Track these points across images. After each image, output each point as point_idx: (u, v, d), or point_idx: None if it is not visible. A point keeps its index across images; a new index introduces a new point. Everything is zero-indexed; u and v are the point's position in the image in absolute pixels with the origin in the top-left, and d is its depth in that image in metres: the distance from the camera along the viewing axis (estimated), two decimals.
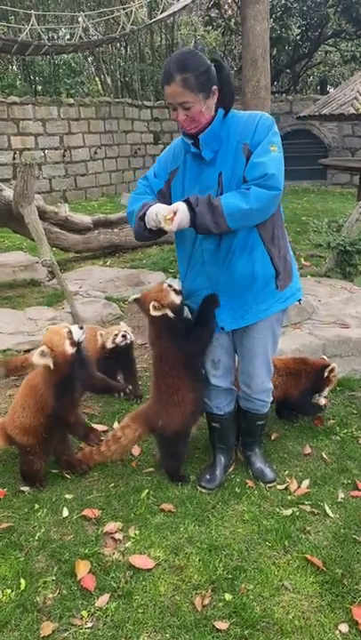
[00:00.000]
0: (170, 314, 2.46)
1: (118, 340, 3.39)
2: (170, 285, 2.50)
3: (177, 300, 2.47)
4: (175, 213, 2.14)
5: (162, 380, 2.58)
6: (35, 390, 2.62)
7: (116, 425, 3.17)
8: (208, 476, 2.67)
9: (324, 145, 14.10)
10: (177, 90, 2.09)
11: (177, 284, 2.51)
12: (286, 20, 13.93)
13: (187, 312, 2.57)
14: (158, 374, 2.60)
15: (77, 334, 2.52)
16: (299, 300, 2.55)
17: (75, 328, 2.54)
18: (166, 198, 2.37)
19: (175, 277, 6.09)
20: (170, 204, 2.28)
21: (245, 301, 2.38)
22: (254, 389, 2.63)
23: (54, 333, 2.52)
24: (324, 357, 3.23)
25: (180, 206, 2.14)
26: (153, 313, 2.44)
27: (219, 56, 2.45)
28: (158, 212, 2.16)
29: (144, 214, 2.23)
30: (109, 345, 3.41)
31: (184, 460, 2.75)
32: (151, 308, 2.43)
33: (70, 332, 2.50)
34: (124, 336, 3.40)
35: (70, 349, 2.49)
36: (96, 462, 2.78)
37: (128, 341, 3.42)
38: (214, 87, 2.14)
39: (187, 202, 2.15)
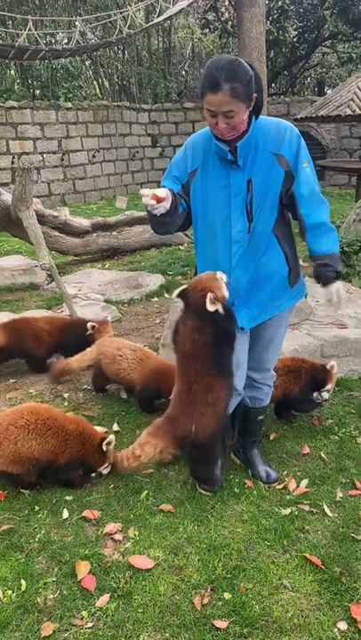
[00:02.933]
0: (220, 309, 2.31)
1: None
2: (221, 277, 2.36)
3: (227, 294, 2.34)
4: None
5: (194, 381, 2.42)
6: (59, 431, 2.64)
7: (115, 427, 3.20)
8: None
9: (322, 146, 14.13)
10: (224, 99, 2.04)
11: (225, 277, 2.39)
12: (283, 23, 14.00)
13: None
14: (189, 375, 2.43)
15: (105, 470, 2.73)
16: (305, 295, 2.67)
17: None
18: (182, 199, 2.38)
19: (173, 280, 6.12)
20: (187, 205, 2.39)
21: (262, 299, 2.44)
22: (263, 374, 2.68)
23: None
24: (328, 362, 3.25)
25: (338, 286, 2.39)
26: (210, 307, 2.26)
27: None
28: None
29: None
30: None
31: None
32: (208, 301, 2.26)
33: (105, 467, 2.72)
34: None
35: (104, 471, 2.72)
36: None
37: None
38: (255, 95, 2.13)
39: (333, 279, 2.37)
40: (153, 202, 2.15)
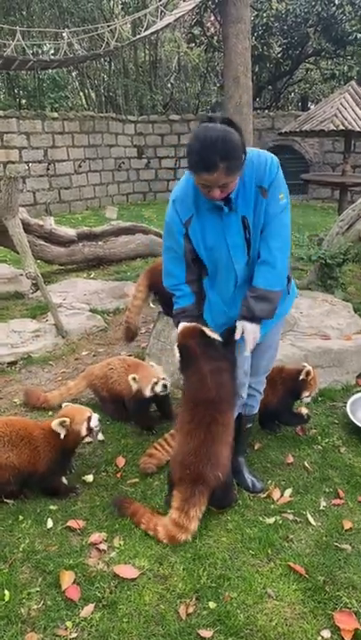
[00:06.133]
0: (218, 337, 2.43)
1: (159, 389, 3.15)
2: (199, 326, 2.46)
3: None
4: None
5: (215, 423, 2.40)
6: (30, 440, 2.65)
7: (100, 436, 3.18)
8: None
9: (306, 160, 14.33)
10: (220, 177, 2.06)
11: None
12: (268, 39, 14.21)
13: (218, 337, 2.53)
14: (211, 420, 2.40)
15: (94, 422, 2.71)
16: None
17: (95, 416, 2.73)
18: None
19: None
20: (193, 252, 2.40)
21: None
22: (257, 378, 2.73)
23: (79, 412, 2.72)
24: (305, 364, 3.27)
25: (246, 326, 2.32)
26: (213, 335, 2.40)
27: (230, 119, 2.48)
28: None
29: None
30: (148, 394, 3.16)
31: None
32: (209, 332, 2.39)
33: (90, 418, 2.70)
34: (164, 386, 3.16)
35: (84, 432, 2.68)
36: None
37: (168, 391, 3.22)
38: (244, 156, 2.13)
39: (244, 318, 2.32)
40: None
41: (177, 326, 2.50)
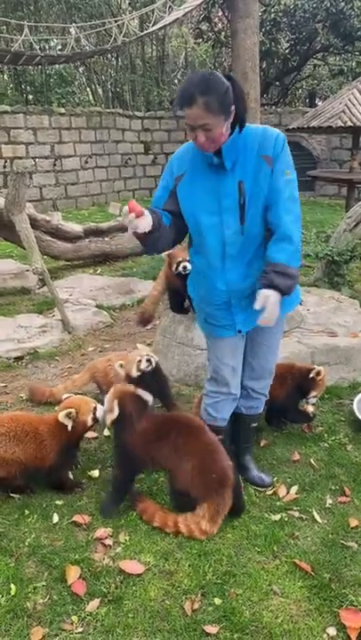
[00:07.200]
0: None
1: (143, 365, 3.03)
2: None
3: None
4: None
5: (195, 438, 2.49)
6: (36, 435, 2.64)
7: (106, 432, 3.19)
8: None
9: (313, 157, 14.27)
10: (199, 113, 2.06)
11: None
12: (276, 34, 14.14)
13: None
14: (189, 439, 2.49)
15: (100, 412, 2.70)
16: (300, 302, 2.64)
17: (100, 406, 2.72)
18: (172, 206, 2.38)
19: None
20: (177, 211, 2.35)
21: None
22: (263, 382, 2.70)
23: (84, 402, 2.72)
24: (315, 366, 3.26)
25: (269, 295, 2.14)
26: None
27: (229, 73, 2.42)
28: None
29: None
30: (135, 373, 3.02)
31: None
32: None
33: (95, 408, 2.70)
34: (148, 360, 3.05)
35: (91, 423, 2.69)
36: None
37: (154, 365, 3.08)
38: (233, 107, 2.12)
39: (267, 287, 2.16)
40: (132, 215, 2.11)
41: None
